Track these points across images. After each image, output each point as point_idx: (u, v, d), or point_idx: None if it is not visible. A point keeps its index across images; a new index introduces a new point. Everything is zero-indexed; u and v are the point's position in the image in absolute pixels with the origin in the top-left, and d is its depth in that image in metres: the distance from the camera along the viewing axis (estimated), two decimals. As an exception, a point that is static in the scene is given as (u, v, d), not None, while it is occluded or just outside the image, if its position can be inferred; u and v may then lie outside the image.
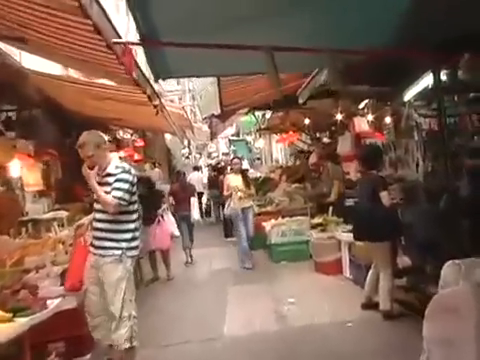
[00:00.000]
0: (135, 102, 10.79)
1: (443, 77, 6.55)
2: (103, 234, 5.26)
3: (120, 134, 16.89)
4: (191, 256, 12.19)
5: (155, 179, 18.41)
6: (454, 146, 7.08)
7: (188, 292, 9.28)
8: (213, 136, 16.83)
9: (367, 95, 10.00)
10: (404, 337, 6.18)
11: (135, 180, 5.35)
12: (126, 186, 5.19)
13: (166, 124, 13.22)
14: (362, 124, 11.46)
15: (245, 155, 33.47)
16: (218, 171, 19.23)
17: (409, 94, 7.86)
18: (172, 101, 16.42)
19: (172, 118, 13.17)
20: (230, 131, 30.84)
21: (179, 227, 11.47)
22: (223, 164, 21.99)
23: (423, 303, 6.90)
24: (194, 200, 13.50)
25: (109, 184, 5.22)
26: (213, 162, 30.70)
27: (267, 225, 11.34)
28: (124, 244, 5.20)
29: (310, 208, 11.94)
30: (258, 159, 34.42)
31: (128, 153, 16.34)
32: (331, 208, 11.15)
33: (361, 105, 12.64)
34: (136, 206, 5.40)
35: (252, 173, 21.03)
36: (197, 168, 23.89)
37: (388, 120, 11.06)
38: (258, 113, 18.42)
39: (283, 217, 11.82)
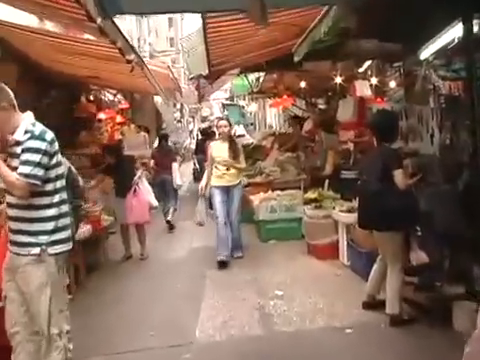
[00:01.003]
0: (110, 58, 9.57)
1: (476, 28, 5.07)
2: (17, 225, 3.76)
3: (101, 94, 15.30)
4: (169, 222, 11.50)
5: (140, 144, 17.10)
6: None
7: (159, 277, 7.86)
8: (201, 98, 15.27)
9: (374, 53, 8.48)
10: (414, 348, 4.95)
11: (53, 147, 3.82)
12: (37, 158, 3.67)
13: (149, 85, 11.91)
14: (364, 88, 9.92)
15: (239, 120, 31.95)
16: (207, 135, 17.67)
17: (427, 51, 6.36)
18: (164, 63, 14.79)
19: (156, 78, 11.79)
20: (222, 95, 29.19)
21: (159, 192, 11.28)
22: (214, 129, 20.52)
23: (438, 306, 5.63)
24: (176, 165, 12.23)
25: (18, 156, 3.71)
26: (204, 126, 29.28)
27: (255, 199, 9.87)
28: (44, 238, 3.72)
29: (303, 181, 10.49)
30: (251, 124, 32.89)
31: (109, 115, 14.78)
32: (327, 181, 9.72)
33: (363, 67, 11.21)
34: (58, 184, 3.87)
35: (246, 139, 19.56)
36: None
37: (393, 84, 9.58)
38: (252, 77, 16.92)
39: (273, 190, 10.37)
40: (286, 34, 8.41)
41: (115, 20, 5.99)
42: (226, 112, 37.85)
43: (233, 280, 7.36)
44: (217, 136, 14.79)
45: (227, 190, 8.36)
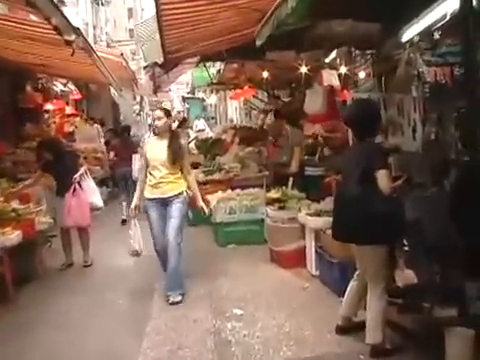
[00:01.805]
0: (57, 43, 8.49)
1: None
2: None
3: (49, 84, 13.97)
4: (124, 220, 10.90)
5: (93, 137, 15.84)
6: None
7: (101, 290, 6.70)
8: (156, 89, 14.06)
9: (345, 37, 7.46)
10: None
11: None
12: None
13: (100, 74, 10.82)
14: (332, 78, 8.93)
15: (199, 114, 30.75)
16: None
17: (411, 31, 5.37)
18: (122, 54, 13.56)
19: (107, 67, 10.67)
20: (180, 87, 27.95)
21: (118, 184, 11.86)
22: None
23: (427, 331, 4.66)
24: (137, 157, 11.30)
25: None
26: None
27: (213, 199, 8.78)
28: None
29: (266, 178, 9.42)
30: (212, 118, 31.79)
31: (57, 106, 13.48)
32: (291, 179, 8.71)
33: (329, 57, 10.24)
34: None
35: (205, 134, 18.47)
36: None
37: (363, 74, 8.62)
38: (213, 70, 15.82)
39: (233, 188, 9.30)
40: (247, 20, 7.42)
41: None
42: (186, 105, 36.76)
43: (186, 292, 6.25)
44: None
45: (165, 204, 6.14)
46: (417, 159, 5.46)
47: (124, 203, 11.03)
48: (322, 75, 9.24)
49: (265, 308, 5.66)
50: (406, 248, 4.39)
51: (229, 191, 9.01)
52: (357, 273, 4.70)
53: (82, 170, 8.13)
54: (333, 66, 9.72)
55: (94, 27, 22.29)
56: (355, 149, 4.63)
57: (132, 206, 6.33)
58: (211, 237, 8.83)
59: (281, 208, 8.02)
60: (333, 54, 10.09)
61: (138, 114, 31.86)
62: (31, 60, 11.16)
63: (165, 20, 7.41)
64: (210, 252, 8.12)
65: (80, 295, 6.51)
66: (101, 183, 13.92)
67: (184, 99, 34.83)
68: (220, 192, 9.00)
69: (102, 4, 24.17)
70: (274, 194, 8.46)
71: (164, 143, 6.17)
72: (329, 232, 6.08)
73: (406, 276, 4.30)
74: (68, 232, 8.07)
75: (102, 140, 15.65)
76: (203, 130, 17.59)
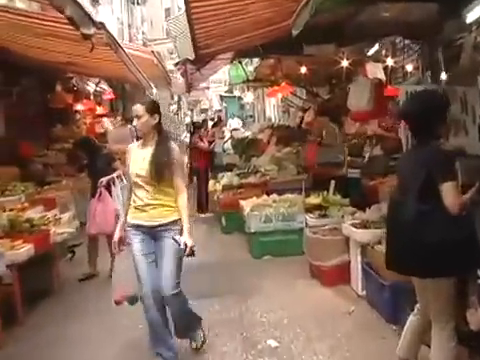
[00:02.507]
0: (77, 39, 7.72)
1: None
2: None
3: (81, 83, 13.31)
4: None
5: (125, 138, 15.14)
6: None
7: (121, 309, 5.89)
8: (189, 87, 13.24)
9: (392, 26, 6.51)
10: None
11: None
12: None
13: (128, 72, 10.13)
14: (377, 71, 7.98)
15: (232, 113, 29.94)
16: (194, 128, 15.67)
17: (478, 12, 4.40)
18: (153, 51, 12.84)
19: (136, 64, 9.94)
20: (217, 85, 27.14)
21: None
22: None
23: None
24: None
25: None
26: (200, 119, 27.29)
27: (246, 205, 7.90)
28: None
29: (304, 181, 8.49)
30: (251, 117, 30.88)
31: (87, 106, 12.80)
32: (332, 182, 7.81)
33: (372, 50, 9.30)
34: None
35: (239, 132, 17.58)
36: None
37: (410, 67, 7.64)
38: (250, 68, 14.93)
39: (269, 193, 8.41)
40: (282, 12, 6.62)
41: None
42: (224, 104, 35.96)
43: (212, 317, 5.38)
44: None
45: (154, 235, 4.33)
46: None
47: None
48: (366, 68, 8.30)
49: (304, 338, 4.77)
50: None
51: (264, 196, 8.12)
52: (418, 306, 3.75)
53: (114, 174, 7.39)
54: (377, 59, 8.80)
55: (129, 26, 21.64)
56: (413, 155, 3.65)
57: (114, 238, 4.48)
58: (245, 247, 7.96)
59: (322, 216, 7.17)
60: (376, 46, 9.21)
61: (175, 113, 31.20)
62: (58, 58, 10.54)
63: (194, 12, 6.67)
64: (243, 264, 7.26)
65: (96, 315, 5.73)
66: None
67: (222, 98, 34.04)
68: (255, 197, 8.11)
69: (138, 3, 23.52)
70: (314, 200, 7.62)
71: (147, 151, 4.32)
72: (378, 248, 5.23)
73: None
74: (95, 240, 7.36)
75: (135, 141, 14.97)
76: (237, 129, 16.60)
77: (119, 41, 11.63)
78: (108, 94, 14.98)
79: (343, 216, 6.96)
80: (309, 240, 6.43)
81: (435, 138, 3.53)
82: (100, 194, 7.14)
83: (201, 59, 9.79)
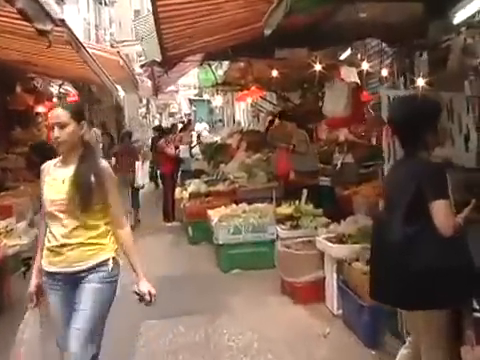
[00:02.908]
0: (31, 36, 7.16)
1: None
2: None
3: (45, 84, 12.64)
4: (138, 220, 10.60)
5: (91, 141, 14.52)
6: None
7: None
8: (157, 90, 12.69)
9: (369, 26, 6.11)
10: None
11: None
12: None
13: (92, 74, 9.63)
14: (351, 75, 7.59)
15: (200, 117, 29.44)
16: (162, 132, 15.08)
17: (468, 9, 4.02)
18: (119, 52, 12.30)
19: (100, 65, 9.43)
20: (187, 88, 26.63)
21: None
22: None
23: None
24: (139, 163, 11.18)
25: None
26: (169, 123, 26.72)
27: (213, 215, 7.42)
28: None
29: (275, 190, 8.04)
30: (220, 121, 30.38)
31: (49, 108, 12.11)
32: (304, 191, 7.39)
33: (345, 54, 8.96)
34: None
35: (208, 137, 17.08)
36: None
37: (385, 72, 7.28)
38: (220, 71, 14.45)
39: (238, 202, 7.94)
40: (255, 13, 6.19)
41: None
42: (194, 108, 35.43)
43: (176, 340, 4.89)
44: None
45: (74, 282, 3.19)
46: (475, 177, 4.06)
47: (130, 214, 10.21)
48: (340, 72, 7.93)
49: (275, 365, 4.31)
50: (477, 314, 2.99)
51: (233, 205, 7.64)
52: (409, 339, 3.31)
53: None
54: (351, 63, 8.43)
55: (96, 27, 20.95)
56: (401, 168, 3.21)
57: (29, 289, 3.34)
58: (213, 260, 7.45)
59: (294, 227, 6.73)
60: (348, 51, 8.88)
61: (144, 117, 30.55)
62: (15, 57, 9.90)
63: (161, 12, 6.24)
64: (211, 279, 6.77)
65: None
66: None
67: (191, 101, 33.52)
68: (223, 207, 7.63)
69: (105, 4, 22.84)
70: (285, 209, 7.19)
71: (70, 171, 3.24)
72: (356, 265, 4.82)
73: (477, 354, 2.92)
74: None
75: (100, 145, 14.35)
76: (202, 133, 15.98)
77: (85, 42, 11.12)
78: (72, 96, 14.32)
79: (316, 227, 6.58)
80: (281, 254, 5.98)
81: (425, 149, 3.11)
82: None
83: (169, 61, 9.29)
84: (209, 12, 6.42)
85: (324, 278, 5.55)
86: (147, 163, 17.96)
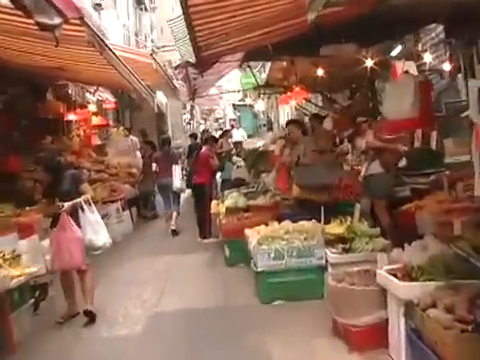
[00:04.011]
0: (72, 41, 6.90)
1: None
2: None
3: (79, 91, 11.82)
4: (174, 231, 10.49)
5: (127, 150, 13.66)
6: None
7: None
8: (193, 94, 11.67)
9: (433, 11, 4.89)
10: None
11: None
12: None
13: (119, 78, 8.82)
14: (411, 71, 6.34)
15: (249, 121, 28.30)
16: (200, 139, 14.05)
17: None
18: (152, 54, 11.38)
19: (130, 69, 8.55)
20: (230, 93, 25.52)
21: (163, 197, 11.35)
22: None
23: None
24: (177, 168, 11.01)
25: None
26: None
27: (252, 236, 6.25)
28: None
29: (324, 205, 6.83)
30: (264, 126, 29.18)
31: (81, 116, 11.29)
32: (357, 206, 6.20)
33: (397, 49, 7.78)
34: None
35: (249, 143, 15.92)
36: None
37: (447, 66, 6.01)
38: (263, 75, 13.35)
39: (280, 219, 6.75)
40: (296, 5, 5.26)
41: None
42: (238, 113, 34.34)
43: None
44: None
45: None
46: None
47: (174, 214, 10.73)
48: (395, 68, 6.70)
49: None
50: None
51: (275, 224, 6.44)
52: None
53: (80, 199, 5.87)
54: (408, 57, 7.21)
55: (137, 34, 20.14)
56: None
57: None
58: (252, 286, 6.24)
59: (346, 250, 5.55)
60: (399, 48, 7.71)
61: (188, 123, 29.65)
62: (44, 63, 9.09)
63: (192, 6, 5.28)
64: (247, 312, 5.62)
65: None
66: (131, 203, 11.78)
67: (235, 106, 32.49)
68: (263, 226, 6.45)
69: (146, 10, 22.05)
70: (335, 228, 5.99)
71: None
72: (433, 313, 3.59)
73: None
74: (67, 274, 5.99)
75: (138, 153, 13.46)
76: (240, 142, 14.71)
77: (116, 45, 10.20)
78: (108, 103, 13.49)
79: (373, 250, 5.40)
80: (332, 289, 4.76)
81: None
82: (62, 222, 5.72)
83: (203, 62, 8.30)
84: (246, 6, 5.54)
85: (387, 320, 4.34)
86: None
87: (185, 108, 28.02)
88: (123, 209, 10.74)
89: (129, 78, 8.98)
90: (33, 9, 4.48)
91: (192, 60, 8.65)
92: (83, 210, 5.83)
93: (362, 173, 7.19)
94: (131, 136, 14.26)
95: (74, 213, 5.76)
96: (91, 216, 5.91)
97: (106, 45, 7.43)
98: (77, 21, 6.41)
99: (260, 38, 7.27)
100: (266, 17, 6.08)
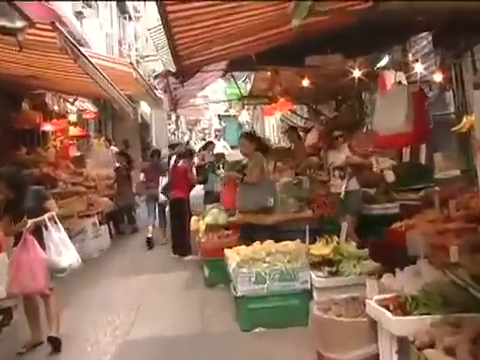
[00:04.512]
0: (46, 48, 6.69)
1: None
2: None
3: (56, 101, 11.31)
4: (149, 240, 10.55)
5: (107, 162, 13.15)
6: None
7: None
8: (175, 104, 11.19)
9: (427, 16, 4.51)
10: None
11: None
12: None
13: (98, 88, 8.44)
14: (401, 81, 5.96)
15: (234, 133, 27.78)
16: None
17: None
18: (131, 63, 10.98)
19: (106, 77, 8.19)
20: (215, 104, 25.10)
21: (147, 206, 11.35)
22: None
23: None
24: (163, 179, 10.89)
25: None
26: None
27: (231, 258, 5.77)
28: None
29: (308, 222, 6.40)
30: (248, 137, 28.71)
31: (58, 126, 10.78)
32: (344, 224, 5.79)
33: (384, 60, 7.48)
34: None
35: (232, 155, 15.40)
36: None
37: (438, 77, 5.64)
38: (249, 85, 12.90)
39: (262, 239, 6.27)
40: (282, 14, 5.07)
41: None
42: (223, 124, 33.92)
43: None
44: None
45: None
46: None
47: (150, 227, 10.80)
48: (384, 78, 6.33)
49: None
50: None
51: (256, 243, 5.97)
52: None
53: (44, 217, 5.38)
54: (396, 68, 6.86)
55: (120, 43, 19.64)
56: None
57: None
58: (232, 310, 5.74)
59: (333, 274, 5.12)
60: (385, 59, 7.42)
61: (173, 134, 29.17)
62: (19, 71, 8.63)
63: (171, 11, 4.87)
64: (226, 339, 5.14)
65: None
66: (110, 217, 11.30)
67: (220, 117, 32.08)
68: (243, 246, 5.97)
69: (130, 18, 21.56)
70: (321, 249, 5.54)
71: None
72: (430, 354, 3.16)
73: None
74: (30, 298, 5.44)
75: (116, 165, 12.92)
76: (222, 154, 14.19)
77: (94, 53, 9.75)
78: (88, 113, 12.98)
79: (361, 273, 4.99)
80: (317, 319, 4.30)
81: None
82: (24, 241, 5.21)
83: (184, 71, 7.89)
84: (228, 13, 5.20)
85: (378, 355, 3.90)
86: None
87: (170, 118, 27.55)
88: (100, 223, 10.25)
89: (106, 87, 8.56)
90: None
91: (172, 69, 8.25)
92: (47, 228, 5.36)
93: (343, 189, 6.86)
94: (112, 147, 13.76)
95: (38, 232, 5.28)
96: (55, 235, 5.42)
97: (80, 52, 7.00)
98: (48, 26, 6.03)
99: (243, 47, 6.92)
100: (250, 26, 5.75)
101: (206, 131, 37.48)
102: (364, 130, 8.23)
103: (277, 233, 6.42)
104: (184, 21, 5.24)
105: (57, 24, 6.15)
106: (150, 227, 10.72)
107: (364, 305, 4.05)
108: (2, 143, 9.84)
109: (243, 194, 6.81)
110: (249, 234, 6.37)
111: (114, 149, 13.60)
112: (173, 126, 29.47)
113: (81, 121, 13.14)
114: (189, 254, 8.77)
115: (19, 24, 4.69)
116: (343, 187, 6.84)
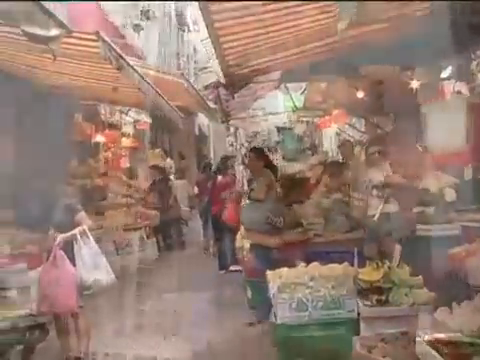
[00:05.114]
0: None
1: None
2: None
3: (105, 112, 11.25)
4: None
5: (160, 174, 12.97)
6: None
7: None
8: (227, 116, 10.87)
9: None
10: None
11: None
12: None
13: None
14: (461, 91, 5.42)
15: (292, 145, 27.36)
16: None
17: None
18: (183, 74, 10.83)
19: (155, 88, 8.05)
20: (274, 116, 24.66)
21: (201, 220, 11.40)
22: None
23: None
24: None
25: None
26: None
27: (272, 280, 5.32)
28: None
29: (358, 242, 5.90)
30: (308, 149, 28.16)
31: (109, 138, 10.71)
32: (398, 248, 5.28)
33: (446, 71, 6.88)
34: None
35: (291, 166, 14.98)
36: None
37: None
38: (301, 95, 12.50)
39: (309, 258, 5.80)
40: (332, 24, 4.84)
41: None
42: (281, 136, 33.43)
43: None
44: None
45: None
46: None
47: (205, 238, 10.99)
48: (444, 90, 5.80)
49: None
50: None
51: (301, 265, 5.49)
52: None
53: (76, 230, 5.19)
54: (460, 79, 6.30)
55: (178, 55, 19.65)
56: None
57: None
58: (268, 344, 5.31)
59: (381, 303, 4.64)
60: (449, 69, 6.85)
61: (231, 145, 29.00)
62: (70, 83, 8.62)
63: (217, 20, 4.67)
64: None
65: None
66: (158, 230, 11.09)
67: (278, 129, 31.67)
68: (285, 268, 5.50)
69: (189, 30, 21.56)
70: (370, 274, 5.04)
71: None
72: None
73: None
74: (60, 316, 5.30)
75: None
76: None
77: (142, 62, 9.63)
78: (141, 124, 12.91)
79: (413, 304, 4.48)
80: (360, 358, 3.83)
81: None
82: (54, 257, 5.03)
83: (233, 81, 7.58)
84: (277, 21, 4.99)
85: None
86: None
87: (229, 130, 27.40)
88: (147, 237, 10.04)
89: (154, 97, 8.40)
90: (22, 18, 3.90)
91: (222, 80, 7.99)
92: (77, 243, 5.14)
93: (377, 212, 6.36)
94: (168, 159, 13.65)
95: (69, 247, 5.08)
96: (85, 251, 5.18)
97: (126, 62, 6.84)
98: (93, 36, 5.88)
99: (296, 57, 6.57)
100: (302, 35, 5.54)
101: (265, 143, 37.15)
102: (416, 145, 7.63)
103: (321, 254, 5.97)
104: (230, 30, 5.01)
105: (101, 33, 6.01)
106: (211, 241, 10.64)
107: (413, 342, 3.56)
108: (57, 154, 9.86)
109: (248, 211, 6.46)
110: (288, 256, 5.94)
111: (169, 161, 13.46)
112: (232, 138, 29.32)
113: (136, 132, 13.08)
114: (233, 264, 8.45)
115: (53, 33, 4.44)
116: (379, 209, 6.37)
